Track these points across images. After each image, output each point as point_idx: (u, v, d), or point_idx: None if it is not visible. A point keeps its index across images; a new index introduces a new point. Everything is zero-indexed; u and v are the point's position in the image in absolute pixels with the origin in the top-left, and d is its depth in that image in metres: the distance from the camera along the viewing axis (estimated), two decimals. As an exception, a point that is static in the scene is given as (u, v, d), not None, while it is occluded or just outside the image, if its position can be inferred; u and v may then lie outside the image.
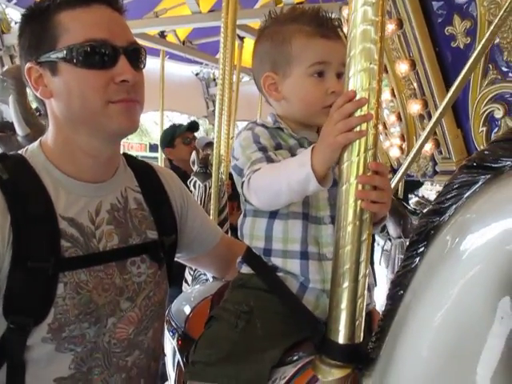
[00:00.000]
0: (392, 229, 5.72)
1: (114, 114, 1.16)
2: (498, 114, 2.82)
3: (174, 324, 1.71)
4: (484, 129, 2.91)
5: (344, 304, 1.04)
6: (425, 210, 0.85)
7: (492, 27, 2.20)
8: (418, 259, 0.87)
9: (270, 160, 1.19)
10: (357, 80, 1.02)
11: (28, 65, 1.17)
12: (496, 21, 2.21)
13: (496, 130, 2.88)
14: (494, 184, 0.76)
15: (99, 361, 1.21)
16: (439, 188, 3.66)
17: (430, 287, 0.83)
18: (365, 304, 1.06)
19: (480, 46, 2.25)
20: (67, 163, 1.22)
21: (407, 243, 0.89)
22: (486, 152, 0.78)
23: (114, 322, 1.22)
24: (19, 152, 1.24)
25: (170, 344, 1.69)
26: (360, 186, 1.01)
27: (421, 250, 0.86)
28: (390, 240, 6.59)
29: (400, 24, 3.13)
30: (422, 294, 0.85)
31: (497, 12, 2.69)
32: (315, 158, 1.05)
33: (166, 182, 1.45)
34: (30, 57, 1.17)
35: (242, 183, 1.22)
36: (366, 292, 1.05)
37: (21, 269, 1.10)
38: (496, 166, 0.75)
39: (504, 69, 2.80)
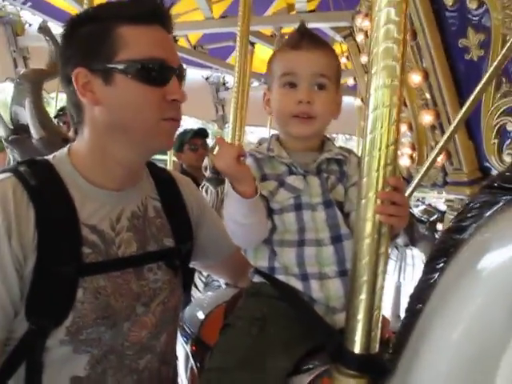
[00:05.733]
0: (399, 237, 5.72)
1: (163, 131, 1.22)
2: (511, 126, 2.81)
3: (187, 329, 1.73)
4: (496, 141, 2.90)
5: (361, 315, 1.05)
6: (446, 227, 0.87)
7: (508, 44, 2.21)
8: (437, 275, 0.89)
9: None
10: (379, 96, 1.05)
11: (77, 69, 1.18)
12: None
13: (508, 142, 2.87)
14: None
15: (113, 362, 1.23)
16: (447, 196, 3.65)
17: (450, 303, 0.85)
18: (381, 315, 1.08)
19: (496, 61, 2.26)
20: (96, 172, 1.25)
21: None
22: (507, 173, 0.80)
23: (129, 326, 1.25)
24: (46, 158, 1.27)
25: (182, 349, 1.71)
26: (379, 201, 1.04)
27: (440, 265, 0.88)
28: (396, 248, 6.59)
29: (414, 35, 3.13)
30: (441, 310, 0.87)
31: (511, 25, 2.70)
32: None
33: (184, 191, 1.48)
34: (82, 62, 1.18)
35: None
36: (382, 304, 1.07)
37: (44, 273, 1.12)
38: None
39: (517, 82, 2.80)
